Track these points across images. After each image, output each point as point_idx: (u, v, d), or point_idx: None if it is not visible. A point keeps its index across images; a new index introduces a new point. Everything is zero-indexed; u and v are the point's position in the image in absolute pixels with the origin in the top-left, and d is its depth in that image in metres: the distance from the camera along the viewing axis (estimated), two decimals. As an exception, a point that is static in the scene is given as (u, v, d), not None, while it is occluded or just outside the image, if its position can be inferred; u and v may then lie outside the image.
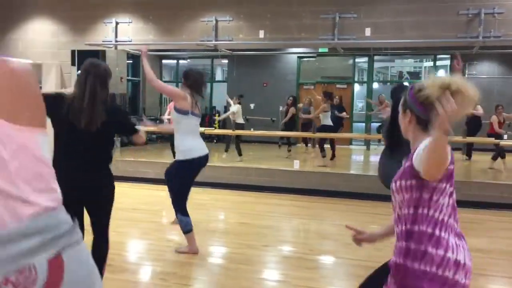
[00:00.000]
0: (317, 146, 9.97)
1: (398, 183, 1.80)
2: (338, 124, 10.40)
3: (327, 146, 9.84)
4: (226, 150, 10.72)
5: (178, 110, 4.15)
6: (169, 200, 4.39)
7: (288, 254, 4.62)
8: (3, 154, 1.02)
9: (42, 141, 1.11)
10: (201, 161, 4.26)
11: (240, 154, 9.79)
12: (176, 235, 5.05)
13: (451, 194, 1.75)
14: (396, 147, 3.56)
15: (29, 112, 1.08)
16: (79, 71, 2.87)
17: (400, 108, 1.88)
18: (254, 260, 4.34)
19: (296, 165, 8.13)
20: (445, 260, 1.68)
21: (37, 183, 1.08)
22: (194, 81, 4.22)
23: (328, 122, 9.69)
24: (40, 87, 2.78)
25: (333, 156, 10.12)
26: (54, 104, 2.79)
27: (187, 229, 4.26)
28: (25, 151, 1.06)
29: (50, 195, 1.10)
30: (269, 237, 5.14)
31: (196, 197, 6.99)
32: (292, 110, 10.90)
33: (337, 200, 6.88)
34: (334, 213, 6.36)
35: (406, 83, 18.15)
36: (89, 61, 2.95)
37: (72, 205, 2.89)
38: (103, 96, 2.88)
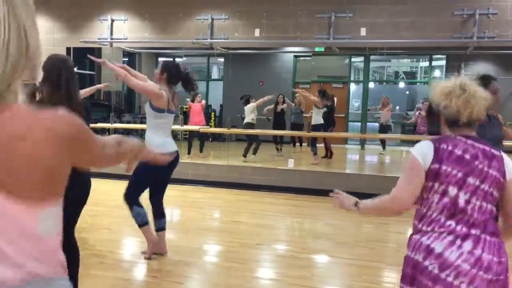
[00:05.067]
0: (308, 144, 9.85)
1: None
2: (329, 123, 10.23)
3: (320, 145, 9.81)
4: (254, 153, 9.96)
5: (154, 108, 3.96)
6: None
7: (281, 252, 4.63)
8: None
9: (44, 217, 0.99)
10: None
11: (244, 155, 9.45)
12: (169, 233, 5.06)
13: (443, 193, 1.81)
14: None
15: (35, 185, 0.96)
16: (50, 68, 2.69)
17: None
18: (247, 259, 4.35)
19: (291, 164, 8.14)
20: (417, 243, 1.83)
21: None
22: (170, 75, 4.02)
23: (320, 120, 9.63)
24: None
25: (331, 154, 10.10)
26: None
27: (144, 222, 4.05)
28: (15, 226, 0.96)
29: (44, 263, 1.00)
30: (262, 235, 5.14)
31: (191, 195, 7.00)
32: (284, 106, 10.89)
33: (330, 199, 6.87)
34: (328, 212, 6.37)
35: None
36: (58, 57, 2.81)
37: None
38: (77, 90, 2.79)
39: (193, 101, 10.25)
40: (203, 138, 10.36)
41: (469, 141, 1.84)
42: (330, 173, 8.02)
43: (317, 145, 9.48)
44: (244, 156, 9.36)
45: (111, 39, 8.07)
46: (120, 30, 8.05)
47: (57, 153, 0.96)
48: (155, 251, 4.17)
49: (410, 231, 4.67)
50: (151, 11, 7.92)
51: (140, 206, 4.07)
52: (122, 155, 1.38)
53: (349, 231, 5.43)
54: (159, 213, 4.21)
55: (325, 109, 9.70)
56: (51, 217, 1.00)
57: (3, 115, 0.92)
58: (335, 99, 10.70)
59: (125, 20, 8.01)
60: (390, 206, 1.91)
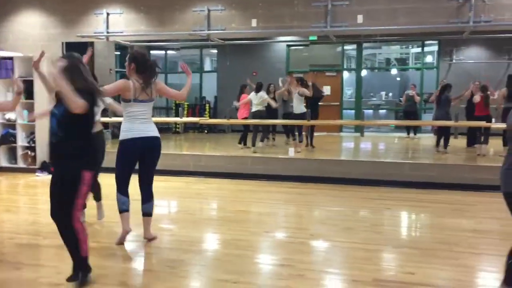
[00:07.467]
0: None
1: None
2: (314, 112, 9.81)
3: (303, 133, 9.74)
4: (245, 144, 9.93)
5: (123, 99, 4.15)
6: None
7: (290, 239, 4.70)
8: None
9: None
10: (135, 143, 4.10)
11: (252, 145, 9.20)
12: (178, 224, 5.13)
13: None
14: None
15: None
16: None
17: None
18: (257, 246, 4.42)
19: (291, 153, 8.21)
20: None
21: None
22: (137, 65, 4.12)
23: (302, 109, 9.46)
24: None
25: (312, 145, 10.06)
26: None
27: (122, 209, 4.22)
28: None
29: None
30: (269, 223, 5.22)
31: (194, 186, 7.05)
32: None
33: (332, 186, 6.99)
34: (330, 199, 6.47)
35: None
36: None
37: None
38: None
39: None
40: (248, 129, 9.90)
41: None
42: (329, 160, 8.07)
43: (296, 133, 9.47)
44: (253, 145, 9.09)
45: (107, 32, 8.04)
46: (116, 23, 8.02)
47: None
48: (148, 237, 4.35)
49: (405, 214, 4.73)
50: (146, 4, 7.90)
51: (121, 193, 4.21)
52: None
53: (352, 216, 5.53)
54: (146, 198, 4.31)
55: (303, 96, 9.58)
56: None
57: None
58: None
59: (120, 13, 7.98)
60: None
